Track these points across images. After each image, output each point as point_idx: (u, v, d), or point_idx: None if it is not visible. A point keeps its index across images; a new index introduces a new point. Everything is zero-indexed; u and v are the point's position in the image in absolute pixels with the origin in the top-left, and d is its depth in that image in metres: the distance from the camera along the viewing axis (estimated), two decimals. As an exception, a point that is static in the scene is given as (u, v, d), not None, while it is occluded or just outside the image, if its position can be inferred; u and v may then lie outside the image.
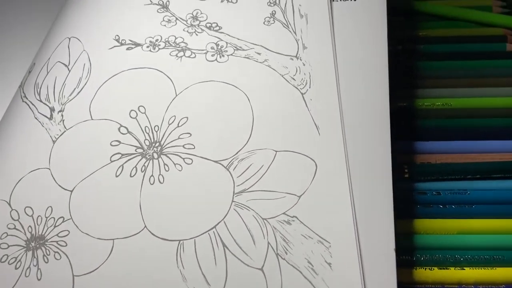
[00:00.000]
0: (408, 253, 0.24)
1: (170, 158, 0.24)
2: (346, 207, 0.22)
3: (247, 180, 0.23)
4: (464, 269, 0.24)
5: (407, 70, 0.32)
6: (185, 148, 0.24)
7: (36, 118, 0.26)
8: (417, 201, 0.26)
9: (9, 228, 0.23)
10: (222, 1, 0.28)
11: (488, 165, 0.27)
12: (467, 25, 0.35)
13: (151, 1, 0.29)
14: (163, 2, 0.29)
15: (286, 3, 0.28)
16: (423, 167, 0.27)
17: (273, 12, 0.27)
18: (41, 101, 0.27)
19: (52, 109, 0.26)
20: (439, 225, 0.26)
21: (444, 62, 0.33)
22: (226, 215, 0.22)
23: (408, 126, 0.29)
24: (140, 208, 0.23)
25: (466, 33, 0.35)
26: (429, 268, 0.24)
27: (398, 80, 0.28)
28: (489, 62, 0.32)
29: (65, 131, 0.25)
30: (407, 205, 0.26)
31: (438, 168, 0.27)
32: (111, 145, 0.25)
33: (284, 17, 0.27)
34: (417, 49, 0.34)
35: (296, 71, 0.26)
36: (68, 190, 0.24)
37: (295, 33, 0.27)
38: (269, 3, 0.28)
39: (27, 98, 0.27)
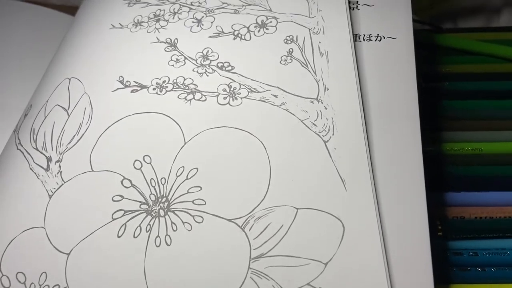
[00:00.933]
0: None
1: (178, 216, 0.21)
2: (381, 277, 0.19)
3: (265, 242, 0.20)
4: None
5: (431, 109, 0.30)
6: (195, 204, 0.22)
7: (31, 169, 0.24)
8: (453, 263, 0.23)
9: (-2, 298, 0.21)
10: (234, 39, 0.26)
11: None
12: (494, 61, 0.33)
13: (158, 38, 0.27)
14: (171, 40, 0.27)
15: (304, 40, 0.25)
16: (457, 223, 0.25)
17: (290, 50, 0.25)
18: (37, 149, 0.24)
19: (49, 159, 0.24)
20: None
21: (471, 102, 0.30)
22: (241, 285, 0.20)
23: (437, 173, 0.26)
24: (145, 274, 0.20)
25: (494, 69, 0.32)
26: None
27: (422, 121, 0.26)
28: None
29: (62, 184, 0.23)
30: (443, 267, 0.23)
31: (474, 224, 0.25)
32: (113, 200, 0.22)
33: (302, 55, 0.25)
34: (441, 86, 0.32)
35: (317, 115, 0.23)
36: (65, 253, 0.21)
37: (315, 73, 0.24)
38: (285, 40, 0.25)
39: (22, 146, 0.25)
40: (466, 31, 0.37)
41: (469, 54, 0.34)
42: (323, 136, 0.23)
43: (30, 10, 0.40)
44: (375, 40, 0.25)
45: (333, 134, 0.22)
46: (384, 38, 0.25)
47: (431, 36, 0.36)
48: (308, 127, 0.23)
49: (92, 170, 0.23)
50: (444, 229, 0.24)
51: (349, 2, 0.26)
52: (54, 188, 0.23)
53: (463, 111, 0.30)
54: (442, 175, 0.27)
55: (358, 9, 0.26)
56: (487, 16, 0.40)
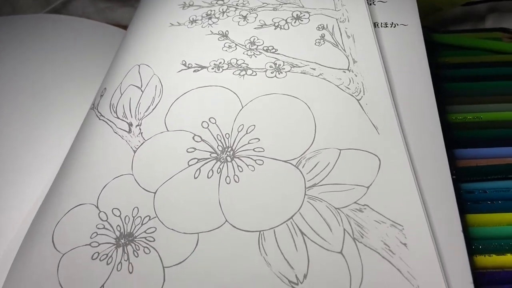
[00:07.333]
0: (466, 243, 0.26)
1: (242, 161, 0.26)
2: (413, 193, 0.24)
3: (316, 175, 0.25)
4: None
5: (436, 90, 0.35)
6: (255, 151, 0.27)
7: (115, 132, 0.29)
8: (467, 199, 0.28)
9: (98, 228, 0.25)
10: (275, 29, 0.32)
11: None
12: (482, 53, 0.39)
13: (211, 31, 0.33)
14: (222, 31, 0.32)
15: (333, 27, 0.31)
16: (467, 170, 0.30)
17: (322, 35, 0.31)
18: (118, 117, 0.29)
19: (130, 124, 0.29)
20: (490, 219, 0.28)
21: (470, 84, 0.36)
22: (300, 207, 0.24)
23: (446, 136, 0.32)
24: (220, 204, 0.25)
25: (483, 60, 0.38)
26: (488, 255, 0.26)
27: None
28: (508, 83, 0.35)
29: (144, 141, 0.28)
30: (458, 202, 0.27)
31: (481, 170, 0.30)
32: (187, 151, 0.27)
33: (332, 38, 0.31)
34: (443, 73, 0.38)
35: (350, 81, 0.29)
36: (152, 192, 0.26)
37: (344, 50, 0.30)
38: (318, 28, 0.31)
39: (104, 117, 0.30)
40: (458, 32, 0.43)
41: (462, 49, 0.40)
42: (356, 96, 0.28)
43: (82, 23, 0.46)
44: (391, 27, 0.31)
45: (364, 94, 0.28)
46: (398, 25, 0.31)
47: (429, 35, 0.42)
48: (343, 90, 0.28)
49: (168, 130, 0.28)
50: (457, 174, 0.29)
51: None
52: (137, 145, 0.28)
53: (464, 91, 0.36)
54: (450, 137, 0.32)
55: (375, 5, 0.32)
56: (473, 23, 0.47)
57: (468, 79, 0.37)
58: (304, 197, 0.25)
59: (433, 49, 0.41)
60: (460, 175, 0.29)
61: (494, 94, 0.35)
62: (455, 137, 0.32)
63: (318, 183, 0.25)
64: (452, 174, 0.29)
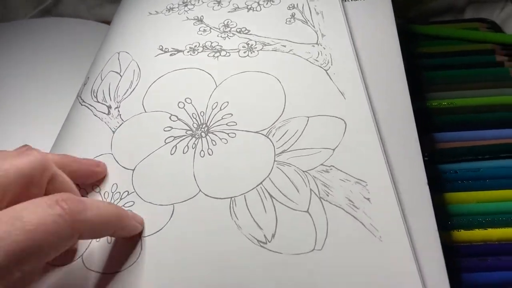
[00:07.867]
0: (436, 220, 0.26)
1: (216, 135, 0.27)
2: (377, 152, 0.24)
3: (285, 143, 0.26)
4: (487, 230, 0.27)
5: (414, 79, 0.36)
6: (228, 125, 0.28)
7: (95, 115, 0.30)
8: (439, 180, 0.29)
9: (80, 204, 0.26)
10: (248, 11, 0.33)
11: (494, 147, 0.30)
12: (459, 43, 0.40)
13: (187, 17, 0.34)
14: (198, 16, 0.34)
15: (303, 6, 0.32)
16: (440, 152, 0.30)
17: (293, 13, 0.32)
18: (98, 101, 0.31)
19: (109, 107, 0.30)
20: (460, 197, 0.29)
21: (445, 72, 0.37)
22: (270, 172, 0.25)
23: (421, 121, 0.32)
24: (194, 176, 0.26)
25: (459, 49, 0.39)
26: (457, 230, 0.27)
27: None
28: (482, 70, 0.36)
29: (122, 122, 0.29)
30: (430, 183, 0.28)
31: (454, 152, 0.30)
32: (164, 130, 0.28)
33: (302, 16, 0.32)
34: (420, 62, 0.38)
35: (318, 54, 0.29)
36: (130, 169, 0.27)
37: (313, 26, 0.31)
38: (288, 7, 0.32)
39: (85, 102, 0.31)
40: (437, 23, 0.44)
41: (440, 39, 0.41)
42: (324, 67, 0.29)
43: (72, 23, 0.48)
44: (360, 0, 0.32)
45: (332, 65, 0.29)
46: (367, -2, 0.32)
47: (408, 26, 0.43)
48: (312, 63, 0.29)
49: (145, 111, 0.29)
50: (430, 156, 0.30)
51: (336, -24, 0.33)
52: (116, 126, 0.29)
53: (440, 79, 0.36)
54: (426, 121, 0.32)
55: (344, -20, 0.33)
56: (454, 15, 0.47)
57: (444, 68, 0.38)
58: (274, 163, 0.25)
59: (412, 40, 0.41)
60: (433, 157, 0.30)
61: (468, 81, 0.36)
62: (430, 121, 0.33)
63: (287, 150, 0.26)
64: (424, 156, 0.30)
